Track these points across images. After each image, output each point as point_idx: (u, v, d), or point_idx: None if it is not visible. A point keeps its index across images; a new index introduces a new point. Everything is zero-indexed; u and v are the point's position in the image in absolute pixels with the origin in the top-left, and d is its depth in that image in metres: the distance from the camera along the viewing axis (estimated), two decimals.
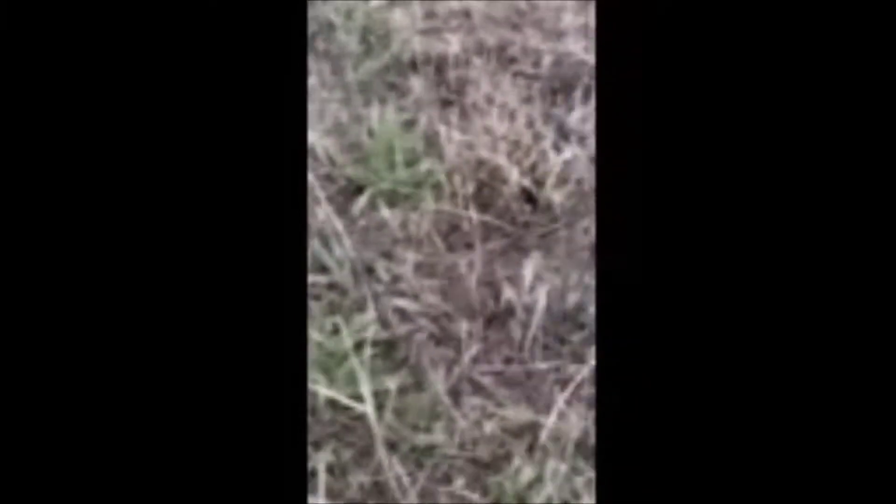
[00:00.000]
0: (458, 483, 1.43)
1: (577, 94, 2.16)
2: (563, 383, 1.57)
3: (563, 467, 1.44)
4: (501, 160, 1.89)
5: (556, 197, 1.89)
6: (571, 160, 1.95)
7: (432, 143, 1.96)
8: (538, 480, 1.43)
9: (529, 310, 1.65)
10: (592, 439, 1.48)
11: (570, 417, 1.51)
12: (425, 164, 1.88)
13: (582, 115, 2.10)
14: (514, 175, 1.87)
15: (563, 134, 2.06)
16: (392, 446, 1.47)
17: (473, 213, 1.83)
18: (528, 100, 2.13)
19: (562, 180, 1.91)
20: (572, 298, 1.68)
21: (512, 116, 2.03)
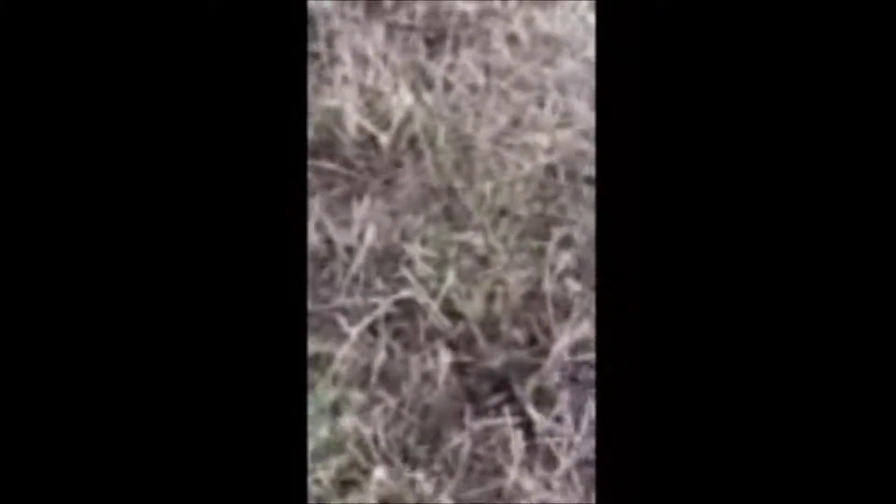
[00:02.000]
0: None
1: (447, 43, 2.23)
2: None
3: (361, 396, 1.55)
4: (349, 109, 1.97)
5: (401, 143, 1.97)
6: (423, 107, 2.03)
7: None
8: (332, 408, 1.54)
9: (353, 251, 1.75)
10: (395, 369, 1.60)
11: (372, 349, 1.61)
12: None
13: (448, 64, 2.17)
14: (360, 123, 1.96)
15: (426, 82, 2.13)
16: None
17: (314, 161, 1.92)
18: (394, 50, 2.20)
19: (408, 127, 1.99)
20: (396, 239, 1.78)
21: (374, 66, 2.11)
